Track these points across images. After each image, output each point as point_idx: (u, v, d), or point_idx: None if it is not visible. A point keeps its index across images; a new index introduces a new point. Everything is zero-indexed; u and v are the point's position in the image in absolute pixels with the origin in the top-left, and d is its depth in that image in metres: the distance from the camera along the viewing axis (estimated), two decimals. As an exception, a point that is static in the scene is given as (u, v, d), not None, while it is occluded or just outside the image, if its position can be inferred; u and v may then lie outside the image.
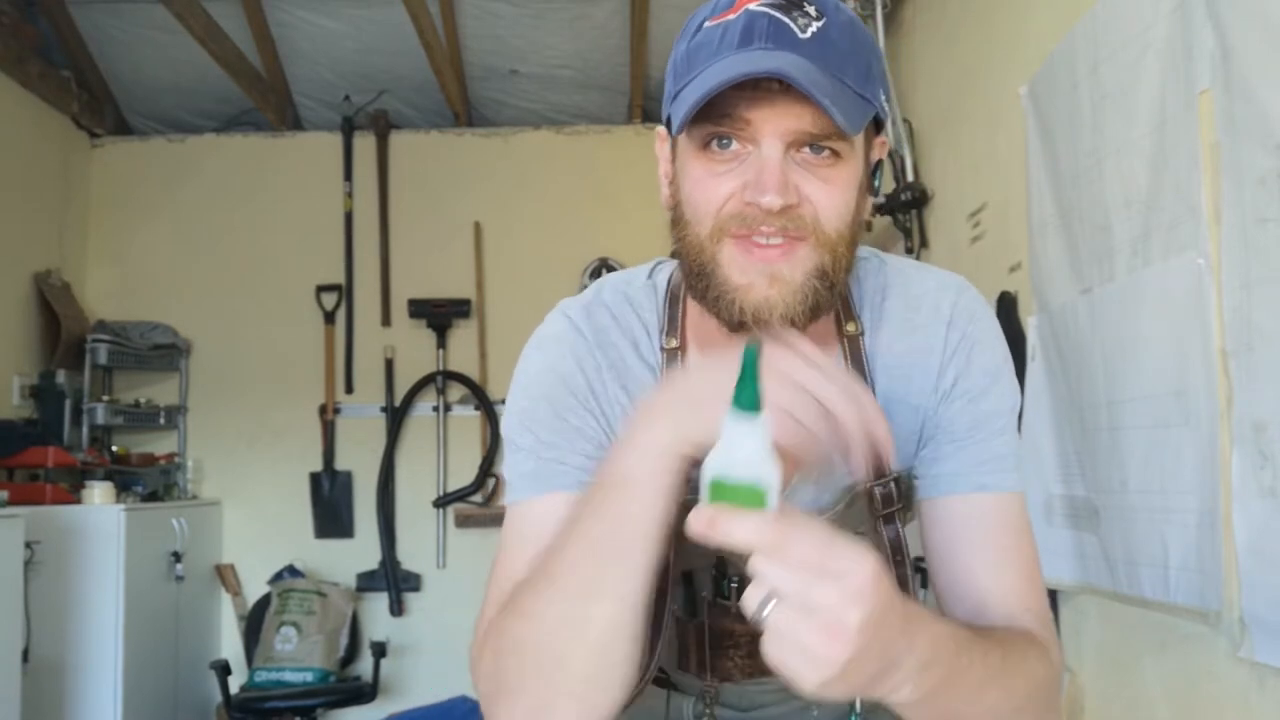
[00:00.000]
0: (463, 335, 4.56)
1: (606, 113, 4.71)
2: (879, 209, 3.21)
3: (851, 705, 1.05)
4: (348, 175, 4.60)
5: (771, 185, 0.78)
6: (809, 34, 0.79)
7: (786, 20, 0.80)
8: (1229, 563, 1.49)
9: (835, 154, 0.81)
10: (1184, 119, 1.59)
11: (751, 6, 0.81)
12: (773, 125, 0.79)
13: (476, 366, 4.52)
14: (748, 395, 0.65)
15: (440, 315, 4.51)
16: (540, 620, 0.79)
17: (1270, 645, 1.41)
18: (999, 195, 2.50)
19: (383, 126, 4.60)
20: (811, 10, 0.81)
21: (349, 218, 4.58)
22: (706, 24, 0.83)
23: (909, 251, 3.18)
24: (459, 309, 4.52)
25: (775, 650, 0.63)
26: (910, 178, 3.12)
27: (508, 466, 0.96)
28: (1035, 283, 2.18)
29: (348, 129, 4.59)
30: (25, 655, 3.12)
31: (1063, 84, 2.02)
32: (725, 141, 0.81)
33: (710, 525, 0.64)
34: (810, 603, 0.62)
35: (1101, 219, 1.86)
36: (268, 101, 4.46)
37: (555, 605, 0.79)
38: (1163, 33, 1.64)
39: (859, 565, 0.63)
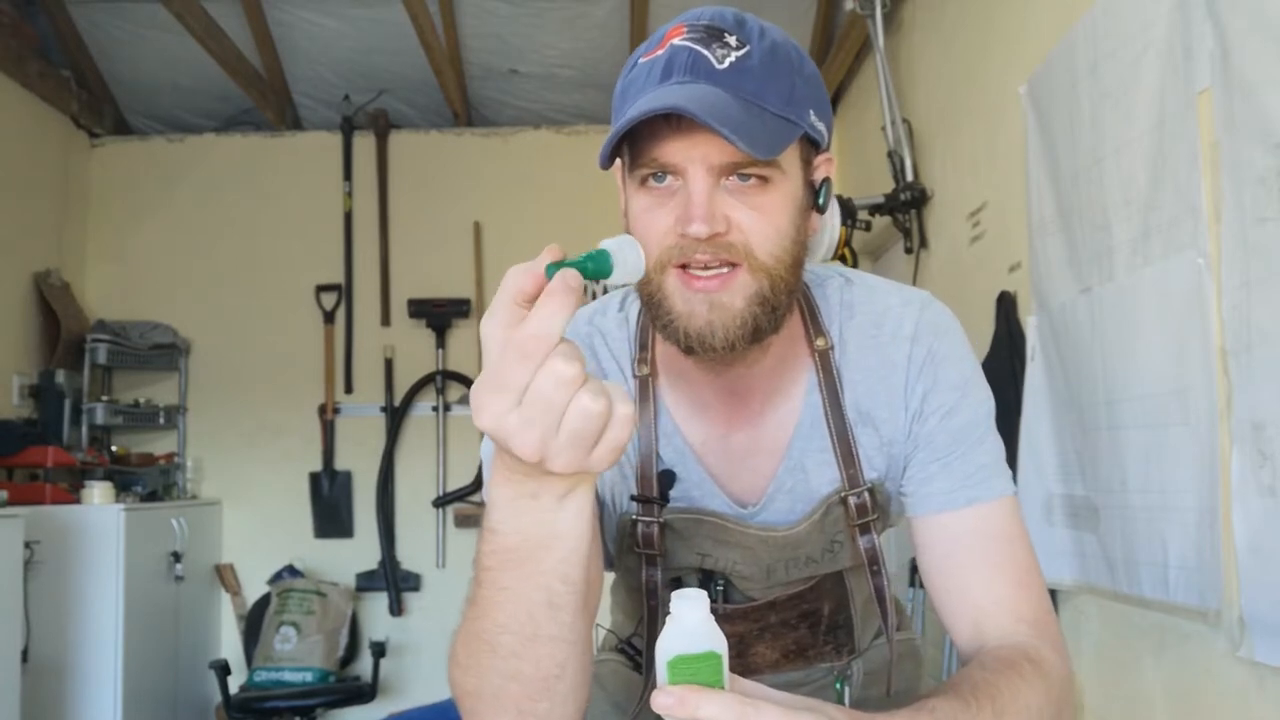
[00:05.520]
0: (462, 335, 4.57)
1: (606, 112, 4.66)
2: (878, 209, 3.20)
3: (840, 675, 1.07)
4: (347, 175, 4.60)
5: (697, 215, 0.81)
6: (726, 64, 0.82)
7: (705, 52, 0.82)
8: (1228, 562, 1.49)
9: (763, 180, 0.83)
10: (1183, 118, 1.59)
11: (676, 41, 0.84)
12: (693, 158, 0.82)
13: (476, 366, 4.51)
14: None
15: (440, 315, 4.51)
16: (467, 668, 0.80)
17: (1270, 645, 1.41)
18: (999, 195, 2.50)
19: (382, 126, 4.60)
20: (732, 41, 0.83)
21: (348, 217, 4.58)
22: (640, 60, 0.87)
23: (908, 251, 3.18)
24: (459, 309, 4.52)
25: None
26: (910, 177, 3.12)
27: (486, 487, 0.97)
28: (1035, 282, 2.18)
29: (347, 128, 4.59)
30: (25, 655, 3.12)
31: (1062, 83, 2.02)
32: (660, 176, 0.84)
33: (681, 704, 0.65)
34: None
35: (1101, 218, 1.86)
36: (267, 101, 4.45)
37: (481, 655, 0.79)
38: (1162, 32, 1.64)
39: None
